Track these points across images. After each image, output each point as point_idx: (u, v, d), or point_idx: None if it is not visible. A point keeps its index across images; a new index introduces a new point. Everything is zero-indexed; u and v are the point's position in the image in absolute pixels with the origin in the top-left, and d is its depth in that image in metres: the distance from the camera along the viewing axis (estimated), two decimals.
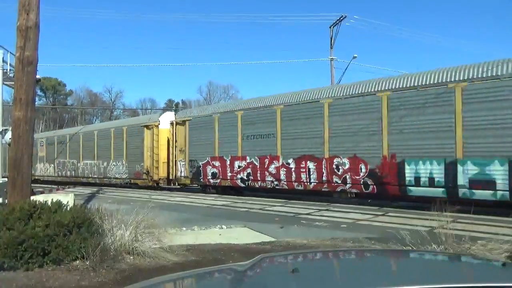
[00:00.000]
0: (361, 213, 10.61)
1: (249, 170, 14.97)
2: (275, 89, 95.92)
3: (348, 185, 12.40)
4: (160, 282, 1.58)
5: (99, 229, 5.55)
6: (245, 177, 15.12)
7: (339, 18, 26.06)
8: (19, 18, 6.53)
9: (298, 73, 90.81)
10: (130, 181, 20.75)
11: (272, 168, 14.27)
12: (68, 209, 5.70)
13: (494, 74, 9.75)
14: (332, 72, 26.61)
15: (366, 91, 12.00)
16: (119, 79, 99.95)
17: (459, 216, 8.46)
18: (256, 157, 14.73)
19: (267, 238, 7.41)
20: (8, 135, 10.66)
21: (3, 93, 12.52)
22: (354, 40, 76.76)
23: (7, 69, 12.37)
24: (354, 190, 12.45)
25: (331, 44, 26.68)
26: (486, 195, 9.81)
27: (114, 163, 21.80)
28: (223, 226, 8.74)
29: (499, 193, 9.58)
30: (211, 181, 16.50)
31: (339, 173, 12.53)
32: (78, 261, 5.10)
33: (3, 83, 12.13)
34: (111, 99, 69.61)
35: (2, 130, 11.62)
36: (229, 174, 15.67)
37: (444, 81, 10.51)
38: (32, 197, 6.81)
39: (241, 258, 5.38)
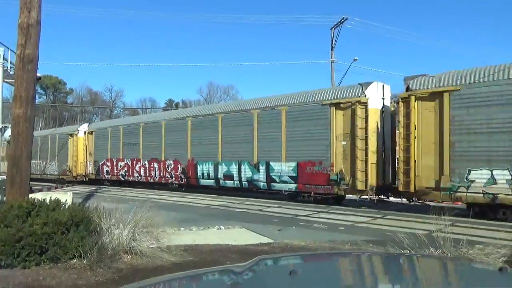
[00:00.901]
0: (359, 215, 10.61)
1: (126, 169, 21.33)
2: (276, 90, 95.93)
3: (173, 178, 18.58)
4: (156, 282, 1.58)
5: (97, 228, 5.54)
6: (124, 174, 21.46)
7: (340, 20, 26.09)
8: (21, 16, 6.53)
9: (299, 74, 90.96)
10: (60, 176, 25.97)
11: (137, 167, 20.61)
12: (66, 207, 5.69)
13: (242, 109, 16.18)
14: (332, 74, 26.64)
15: (181, 117, 18.99)
16: (120, 78, 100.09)
17: (457, 220, 8.50)
18: (129, 159, 21.11)
19: (265, 240, 7.41)
20: (8, 132, 10.65)
21: (3, 90, 12.51)
22: (355, 42, 76.88)
23: (7, 67, 12.36)
24: (176, 182, 18.64)
25: (332, 46, 26.71)
26: (230, 183, 15.92)
27: (50, 163, 27.56)
28: (221, 226, 8.73)
29: (235, 182, 15.67)
30: (106, 176, 22.70)
31: (169, 170, 18.76)
32: (75, 260, 5.08)
33: (3, 81, 12.12)
34: (111, 98, 69.66)
35: (2, 127, 11.61)
36: (115, 171, 22.02)
37: (214, 112, 17.22)
38: (30, 195, 6.80)
39: (239, 259, 5.38)
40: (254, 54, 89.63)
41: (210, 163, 16.61)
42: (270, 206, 12.68)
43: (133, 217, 5.84)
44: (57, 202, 5.71)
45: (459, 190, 10.24)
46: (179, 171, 18.10)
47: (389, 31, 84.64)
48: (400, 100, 11.53)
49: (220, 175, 16.19)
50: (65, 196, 8.90)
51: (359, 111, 12.07)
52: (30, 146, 6.75)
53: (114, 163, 21.93)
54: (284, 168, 13.94)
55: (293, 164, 13.71)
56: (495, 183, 9.65)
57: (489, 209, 9.95)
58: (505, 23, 74.53)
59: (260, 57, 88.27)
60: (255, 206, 12.69)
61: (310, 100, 13.65)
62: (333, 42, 26.59)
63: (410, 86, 11.34)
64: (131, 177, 20.82)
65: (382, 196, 12.58)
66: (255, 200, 14.46)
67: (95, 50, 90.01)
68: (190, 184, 17.78)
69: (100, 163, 22.86)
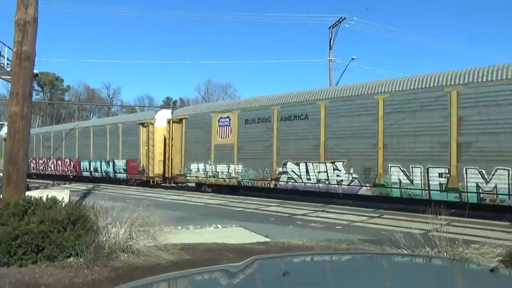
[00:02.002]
0: (356, 214, 10.64)
1: (43, 165, 28.64)
2: (274, 89, 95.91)
3: (69, 172, 25.76)
4: (151, 282, 1.59)
5: (93, 226, 5.52)
6: (42, 168, 28.62)
7: (338, 20, 26.11)
8: (18, 13, 6.49)
9: (297, 73, 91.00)
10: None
11: (50, 164, 27.79)
12: (63, 205, 5.68)
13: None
14: (330, 73, 26.67)
15: (73, 128, 26.54)
16: (118, 76, 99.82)
17: (454, 219, 8.51)
18: (46, 158, 28.31)
19: (262, 238, 7.42)
20: (4, 130, 10.61)
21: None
22: (354, 42, 76.96)
23: (4, 63, 12.30)
24: (71, 174, 25.64)
25: (330, 45, 26.72)
26: (97, 174, 23.42)
27: None
28: (219, 225, 8.73)
29: (99, 173, 23.24)
30: (32, 171, 28.01)
31: (66, 166, 26.15)
32: (72, 258, 5.07)
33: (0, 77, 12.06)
34: (109, 96, 69.46)
35: None
36: (38, 166, 29.19)
37: (89, 126, 25.45)
38: (27, 193, 6.78)
39: (235, 258, 5.38)
40: (252, 53, 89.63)
41: (87, 161, 24.06)
42: (268, 205, 12.70)
43: (130, 215, 5.83)
44: (53, 200, 5.70)
45: (187, 176, 17.64)
46: (72, 166, 25.55)
47: (388, 31, 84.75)
48: (167, 122, 19.06)
49: (92, 169, 23.76)
50: (62, 194, 8.87)
51: (151, 128, 19.84)
52: (27, 144, 6.72)
53: (37, 161, 29.23)
54: (120, 163, 21.66)
55: (124, 161, 21.37)
56: (199, 171, 17.11)
57: (201, 186, 17.43)
58: (506, 22, 74.72)
59: (258, 56, 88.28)
60: (253, 205, 12.71)
61: (132, 120, 21.82)
62: (331, 41, 26.61)
63: (173, 114, 19.34)
64: (47, 171, 27.97)
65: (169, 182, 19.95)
66: (253, 199, 14.48)
67: (93, 47, 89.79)
68: (77, 175, 25.15)
69: (28, 161, 29.21)
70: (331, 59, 26.66)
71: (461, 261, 3.20)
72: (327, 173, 12.61)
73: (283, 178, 13.85)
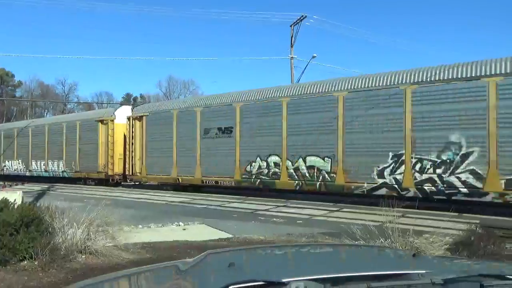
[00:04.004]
0: (317, 209, 10.93)
1: None
2: (236, 86, 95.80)
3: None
4: (98, 282, 1.60)
5: (49, 228, 5.35)
6: None
7: (299, 18, 26.51)
8: None
9: (259, 70, 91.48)
10: None
11: None
12: (15, 207, 5.45)
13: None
14: (292, 71, 27.05)
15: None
16: (74, 71, 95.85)
17: (407, 211, 8.97)
18: None
19: (224, 235, 7.47)
20: None
21: None
22: (316, 40, 78.32)
23: None
24: None
25: (291, 43, 27.09)
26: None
27: None
28: (181, 223, 8.68)
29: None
30: None
31: None
32: (26, 262, 4.90)
33: None
34: (64, 92, 66.59)
35: None
36: None
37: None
38: None
39: (197, 255, 5.40)
40: (215, 50, 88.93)
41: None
42: (231, 202, 12.76)
43: (88, 215, 5.70)
44: (4, 202, 5.46)
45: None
46: None
47: (349, 30, 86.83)
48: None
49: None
50: (14, 196, 8.45)
51: None
52: None
53: None
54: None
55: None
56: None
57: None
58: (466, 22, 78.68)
59: (221, 53, 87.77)
60: (216, 202, 12.72)
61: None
62: (293, 39, 26.98)
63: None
64: None
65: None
66: (216, 196, 14.49)
67: (46, 40, 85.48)
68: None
69: None
70: (292, 57, 27.05)
71: (386, 249, 3.49)
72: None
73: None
